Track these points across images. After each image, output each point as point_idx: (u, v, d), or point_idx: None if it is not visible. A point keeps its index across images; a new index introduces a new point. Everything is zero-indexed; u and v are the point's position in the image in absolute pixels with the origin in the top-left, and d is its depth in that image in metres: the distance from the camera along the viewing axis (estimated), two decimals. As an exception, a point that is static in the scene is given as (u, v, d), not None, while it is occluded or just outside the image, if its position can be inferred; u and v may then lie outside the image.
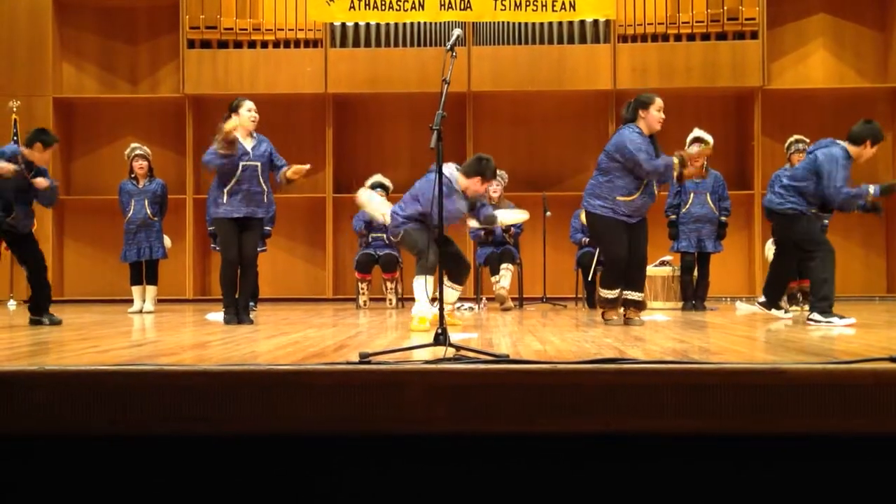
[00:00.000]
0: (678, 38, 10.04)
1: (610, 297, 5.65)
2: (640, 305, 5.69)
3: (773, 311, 6.16)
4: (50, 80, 10.27)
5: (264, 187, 6.04)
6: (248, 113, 5.95)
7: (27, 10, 10.26)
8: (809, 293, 5.96)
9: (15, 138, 9.56)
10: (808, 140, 7.43)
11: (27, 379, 3.11)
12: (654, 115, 5.53)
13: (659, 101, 5.57)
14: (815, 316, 5.63)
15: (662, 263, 8.20)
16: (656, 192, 5.67)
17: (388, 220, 8.22)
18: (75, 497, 3.22)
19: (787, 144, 7.67)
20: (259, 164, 5.98)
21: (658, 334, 4.82)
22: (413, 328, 5.41)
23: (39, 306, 6.14)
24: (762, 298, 6.29)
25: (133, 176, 8.02)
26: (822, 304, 5.57)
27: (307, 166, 6.14)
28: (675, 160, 5.54)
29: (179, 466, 3.20)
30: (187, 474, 3.21)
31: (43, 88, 10.24)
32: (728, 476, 3.13)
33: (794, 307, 7.31)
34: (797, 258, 6.07)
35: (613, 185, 5.54)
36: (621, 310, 5.72)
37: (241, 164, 5.92)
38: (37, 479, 3.20)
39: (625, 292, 5.64)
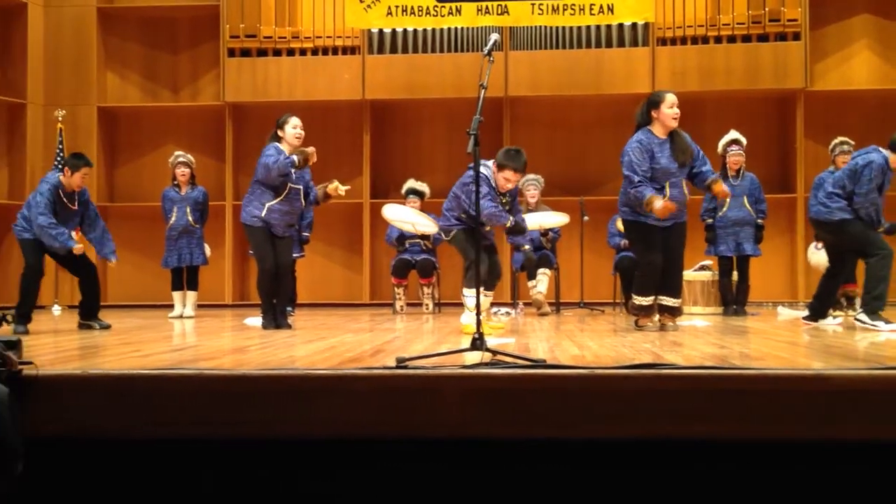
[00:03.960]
0: (718, 40, 9.92)
1: (644, 303, 5.56)
2: (674, 311, 5.59)
3: (820, 323, 5.99)
4: (94, 90, 10.46)
5: (302, 207, 6.21)
6: (293, 130, 5.96)
7: (72, 21, 10.47)
8: (863, 291, 5.80)
9: (60, 146, 9.77)
10: (852, 142, 7.30)
11: (71, 382, 3.16)
12: (667, 113, 5.42)
13: (670, 98, 5.45)
14: (863, 317, 5.51)
15: (702, 268, 8.10)
16: (685, 191, 5.52)
17: (418, 230, 8.27)
18: (119, 500, 3.26)
19: (831, 147, 7.54)
20: (301, 187, 6.07)
21: (698, 339, 4.76)
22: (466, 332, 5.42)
23: (90, 311, 6.28)
24: (806, 312, 6.15)
25: (176, 183, 8.13)
26: (875, 303, 5.45)
27: (346, 187, 6.25)
28: (646, 201, 5.30)
29: (218, 469, 3.23)
30: (226, 477, 3.24)
31: (87, 98, 10.44)
32: (770, 483, 3.08)
33: (838, 312, 7.17)
34: (851, 263, 5.97)
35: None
36: (656, 317, 5.65)
37: (290, 185, 5.99)
38: (80, 481, 3.25)
39: (660, 297, 5.56)
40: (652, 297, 5.53)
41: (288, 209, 6.00)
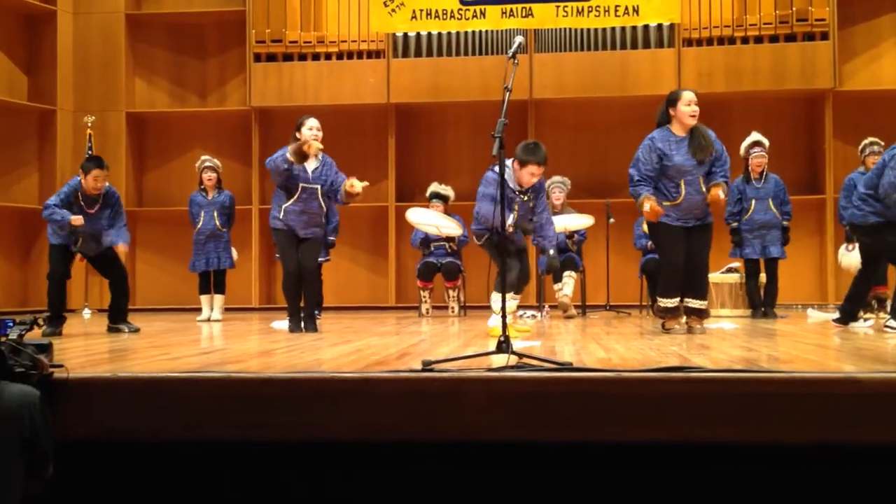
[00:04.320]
0: (745, 40, 9.84)
1: (669, 305, 5.51)
2: (701, 313, 5.53)
3: (850, 325, 5.92)
4: (123, 96, 10.59)
5: (323, 208, 6.12)
6: (309, 132, 5.95)
7: (101, 27, 10.61)
8: (893, 297, 5.73)
9: (89, 152, 9.89)
10: (882, 143, 7.21)
11: (101, 385, 3.20)
12: (684, 110, 5.38)
13: (686, 95, 5.40)
14: (892, 323, 5.44)
15: (729, 270, 8.04)
16: (703, 190, 5.39)
17: (442, 232, 8.28)
18: (147, 502, 3.29)
19: (861, 147, 7.45)
20: (318, 186, 6.00)
21: (726, 342, 4.72)
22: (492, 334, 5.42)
23: (119, 315, 6.36)
24: (836, 314, 6.07)
25: (202, 187, 8.20)
26: None
27: (364, 183, 6.04)
28: (639, 202, 5.36)
29: (244, 472, 3.25)
30: (252, 480, 3.25)
31: (116, 103, 10.56)
32: (798, 486, 3.05)
33: (868, 314, 7.07)
34: (883, 266, 5.88)
35: (658, 191, 5.46)
36: (683, 319, 5.61)
37: (302, 185, 5.96)
38: (109, 483, 3.29)
39: (686, 300, 5.52)
40: (677, 299, 5.48)
41: (302, 209, 5.97)
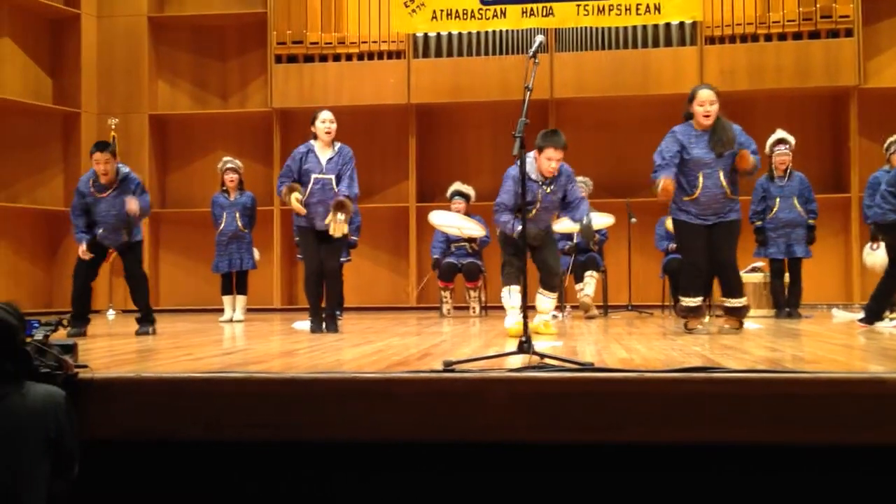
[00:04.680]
0: (768, 38, 9.76)
1: (690, 304, 5.46)
2: (736, 311, 5.46)
3: (876, 325, 5.85)
4: (146, 98, 10.67)
5: (337, 198, 6.00)
6: (322, 125, 5.98)
7: (124, 30, 10.69)
8: None
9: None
10: (907, 140, 7.12)
11: (125, 385, 3.22)
12: (697, 110, 5.39)
13: (701, 95, 5.39)
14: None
15: (753, 269, 7.97)
16: (723, 184, 5.33)
17: (464, 233, 8.28)
18: (171, 501, 3.31)
19: (886, 145, 7.36)
20: (333, 177, 5.98)
21: (749, 342, 4.68)
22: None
23: (139, 315, 6.40)
24: (862, 314, 6.00)
25: (224, 189, 8.24)
26: None
27: (343, 229, 5.89)
28: (654, 184, 5.39)
29: (266, 471, 3.26)
30: (274, 479, 3.27)
31: (139, 106, 10.65)
32: (825, 488, 3.02)
33: (894, 314, 6.99)
34: None
35: (678, 187, 5.44)
36: (706, 319, 5.56)
37: (314, 176, 5.96)
38: (133, 482, 3.31)
39: (722, 300, 5.48)
40: (699, 299, 5.44)
41: (318, 199, 5.95)
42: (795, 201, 7.56)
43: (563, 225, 7.90)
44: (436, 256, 8.73)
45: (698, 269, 5.43)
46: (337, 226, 5.83)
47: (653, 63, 9.86)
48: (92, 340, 5.61)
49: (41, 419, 2.65)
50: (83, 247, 6.20)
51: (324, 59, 10.29)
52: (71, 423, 2.75)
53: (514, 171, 5.68)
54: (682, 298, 5.51)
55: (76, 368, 3.14)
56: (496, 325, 6.69)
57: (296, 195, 5.90)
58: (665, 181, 5.27)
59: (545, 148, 5.61)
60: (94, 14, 10.65)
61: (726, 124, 5.39)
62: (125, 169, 6.36)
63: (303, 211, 5.89)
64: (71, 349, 3.24)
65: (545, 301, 5.86)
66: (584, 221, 5.72)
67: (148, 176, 10.49)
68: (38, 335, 3.09)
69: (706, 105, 5.36)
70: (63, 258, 10.39)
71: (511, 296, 5.68)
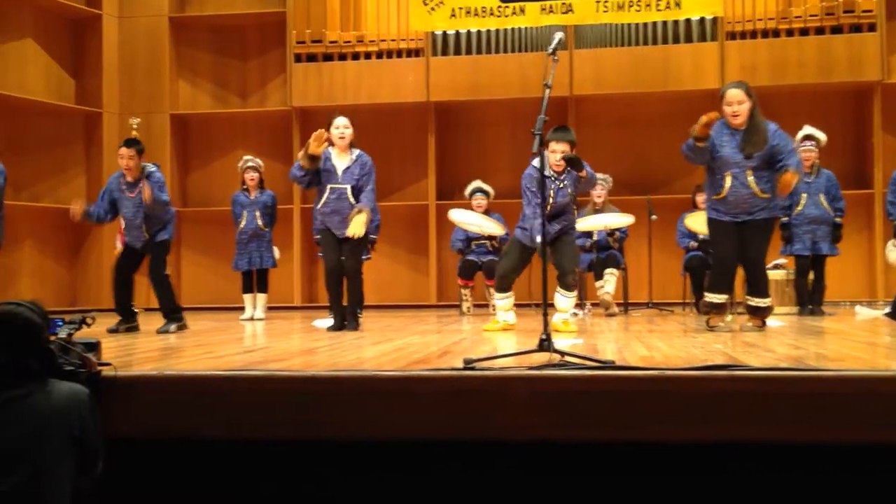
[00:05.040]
0: (790, 33, 9.67)
1: (714, 301, 5.43)
2: (758, 311, 5.42)
3: None
4: (167, 97, 10.74)
5: (355, 207, 6.00)
6: (335, 131, 5.95)
7: (145, 30, 10.77)
8: None
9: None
10: (931, 136, 7.04)
11: (148, 383, 3.25)
12: (725, 110, 5.33)
13: (728, 95, 5.33)
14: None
15: (776, 267, 7.90)
16: (751, 184, 5.25)
17: (484, 232, 8.27)
18: (193, 499, 3.33)
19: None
20: (348, 186, 5.96)
21: (772, 340, 4.64)
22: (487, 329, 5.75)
23: (163, 314, 6.46)
24: (888, 309, 5.93)
25: (245, 187, 8.28)
26: None
27: (359, 230, 5.88)
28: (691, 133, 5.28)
29: (287, 469, 3.28)
30: (295, 477, 3.28)
31: (160, 105, 10.72)
32: (849, 487, 2.99)
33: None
34: None
35: (708, 185, 5.44)
36: (728, 317, 5.53)
37: (330, 186, 5.97)
38: (156, 480, 3.33)
39: (746, 298, 5.45)
40: (724, 296, 5.41)
41: (332, 209, 5.97)
42: (822, 198, 7.49)
43: (586, 223, 7.88)
44: (460, 247, 8.73)
45: (725, 266, 5.40)
46: (356, 225, 5.84)
47: (673, 59, 9.80)
48: (115, 338, 5.66)
49: (65, 417, 2.67)
50: (78, 207, 6.27)
51: (343, 57, 10.31)
52: (95, 420, 2.77)
53: (529, 170, 5.78)
54: (707, 294, 5.49)
55: (99, 366, 3.17)
56: (516, 324, 6.68)
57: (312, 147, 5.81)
58: (707, 116, 5.17)
59: (549, 142, 5.65)
60: (116, 14, 10.73)
61: (760, 124, 5.28)
62: (151, 167, 6.38)
63: (315, 145, 5.79)
64: (94, 347, 3.27)
65: (563, 300, 5.86)
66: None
67: (169, 175, 10.55)
68: (62, 333, 3.12)
69: (734, 105, 5.29)
70: (86, 257, 10.49)
71: (496, 297, 6.07)
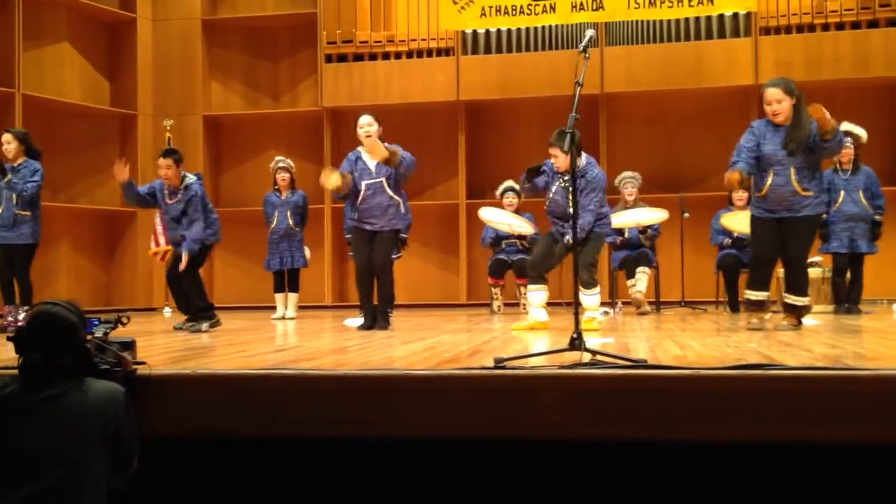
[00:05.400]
0: (825, 27, 9.53)
1: (751, 298, 5.39)
2: (794, 310, 5.36)
3: None
4: (200, 99, 10.85)
5: (395, 198, 6.07)
6: (360, 131, 6.01)
7: (178, 33, 10.90)
8: None
9: (168, 155, 10.17)
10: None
11: (181, 382, 3.28)
12: (766, 109, 5.30)
13: (766, 94, 5.26)
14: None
15: (811, 265, 7.79)
16: (794, 182, 5.18)
17: (514, 231, 8.26)
18: (224, 498, 3.36)
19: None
20: (383, 179, 6.03)
21: (808, 339, 4.58)
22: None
23: (193, 313, 6.53)
24: None
25: (276, 188, 8.34)
26: None
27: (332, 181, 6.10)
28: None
29: (317, 467, 3.29)
30: (326, 475, 3.29)
31: (193, 107, 10.84)
32: (887, 488, 2.94)
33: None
34: None
35: (753, 182, 5.42)
36: (768, 315, 5.47)
37: (365, 183, 6.02)
38: (189, 478, 3.37)
39: (784, 295, 5.40)
40: (763, 293, 5.36)
41: (368, 206, 6.04)
42: (861, 195, 7.37)
43: (617, 220, 7.83)
44: (489, 243, 8.73)
45: (762, 262, 5.37)
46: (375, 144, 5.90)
47: (706, 55, 9.70)
48: (150, 337, 5.73)
49: (101, 415, 2.70)
50: (124, 171, 6.36)
51: (373, 57, 10.34)
52: (130, 418, 2.80)
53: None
54: (746, 291, 5.49)
55: (134, 365, 3.21)
56: (547, 322, 6.65)
57: (339, 176, 5.98)
58: (729, 175, 5.23)
59: (549, 146, 6.00)
60: (150, 18, 10.87)
61: (804, 121, 5.18)
62: (190, 179, 6.40)
63: (338, 182, 5.98)
64: (130, 346, 3.31)
65: (584, 298, 5.86)
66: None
67: (203, 176, 10.66)
68: (98, 333, 3.16)
69: (773, 104, 5.23)
70: (121, 257, 10.63)
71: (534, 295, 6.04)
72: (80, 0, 10.15)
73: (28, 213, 6.88)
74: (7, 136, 6.97)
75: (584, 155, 6.10)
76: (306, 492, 3.32)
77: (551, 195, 6.05)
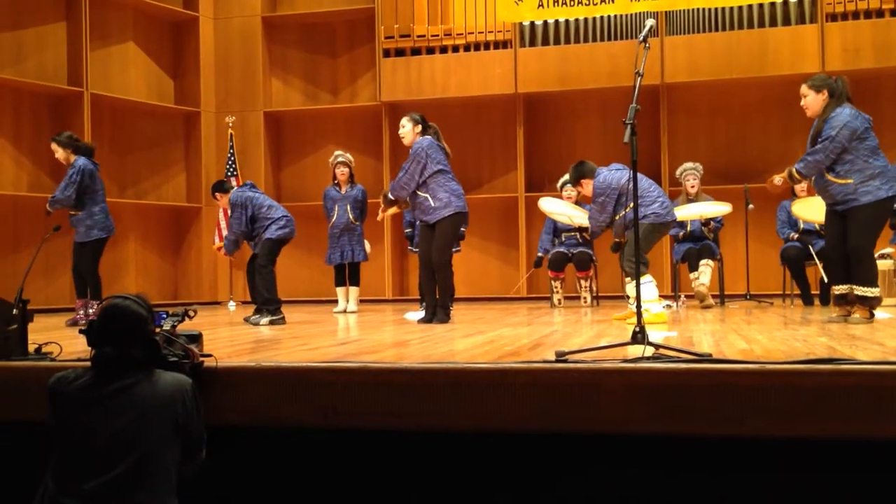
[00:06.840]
0: (895, 12, 9.23)
1: (836, 292, 5.39)
2: (866, 301, 5.23)
3: None
4: (261, 96, 11.01)
5: (421, 195, 6.20)
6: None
7: (239, 31, 11.07)
8: None
9: (231, 151, 10.38)
10: None
11: (246, 374, 3.34)
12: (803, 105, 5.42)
13: (800, 90, 5.39)
14: None
15: (882, 257, 7.56)
16: (825, 172, 5.17)
17: (574, 222, 8.19)
18: (288, 486, 3.42)
19: None
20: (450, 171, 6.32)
21: (879, 333, 4.45)
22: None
23: (257, 307, 6.66)
24: None
25: (336, 182, 8.42)
26: None
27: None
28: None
29: (382, 459, 3.32)
30: (388, 467, 3.32)
31: (254, 103, 11.00)
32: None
33: None
34: None
35: None
36: (850, 308, 5.37)
37: (441, 168, 6.25)
38: (254, 467, 3.43)
39: (853, 287, 5.27)
40: (843, 287, 5.29)
41: (413, 204, 6.29)
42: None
43: (681, 212, 7.70)
44: (540, 254, 8.67)
45: (830, 255, 5.39)
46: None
47: (770, 43, 9.48)
48: (215, 330, 5.85)
49: (170, 405, 2.77)
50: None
51: (431, 51, 10.36)
52: (198, 409, 2.87)
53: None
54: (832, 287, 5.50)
55: (201, 357, 3.28)
56: (608, 315, 6.60)
57: (393, 208, 6.62)
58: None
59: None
60: (211, 16, 11.06)
61: (825, 115, 5.22)
62: (234, 196, 6.85)
63: (396, 210, 6.62)
64: (197, 339, 3.38)
65: (631, 290, 5.82)
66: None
67: (263, 171, 10.84)
68: (167, 325, 3.24)
69: (802, 100, 5.36)
70: (187, 252, 10.87)
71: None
72: (145, 0, 10.38)
73: (78, 212, 7.08)
74: (53, 146, 7.26)
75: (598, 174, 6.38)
76: (371, 482, 3.35)
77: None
